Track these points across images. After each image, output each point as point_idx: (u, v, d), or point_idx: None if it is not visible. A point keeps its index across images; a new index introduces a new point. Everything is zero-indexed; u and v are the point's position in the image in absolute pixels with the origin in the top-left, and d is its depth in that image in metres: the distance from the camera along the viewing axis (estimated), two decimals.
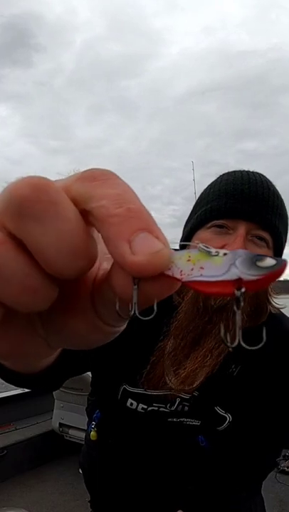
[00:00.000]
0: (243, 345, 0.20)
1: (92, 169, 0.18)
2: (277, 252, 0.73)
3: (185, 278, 0.17)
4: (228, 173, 0.75)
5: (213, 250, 0.18)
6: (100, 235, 0.18)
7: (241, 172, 0.73)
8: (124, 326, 0.21)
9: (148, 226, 0.17)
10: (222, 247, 0.65)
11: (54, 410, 2.72)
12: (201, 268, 0.17)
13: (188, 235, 0.75)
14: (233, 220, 0.68)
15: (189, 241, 0.74)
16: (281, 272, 0.16)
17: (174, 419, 0.76)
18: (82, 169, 0.19)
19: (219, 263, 0.17)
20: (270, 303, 0.75)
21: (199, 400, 0.75)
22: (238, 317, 0.18)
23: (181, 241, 0.79)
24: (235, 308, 0.18)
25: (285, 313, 0.81)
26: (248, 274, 0.16)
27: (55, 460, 2.73)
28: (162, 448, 0.79)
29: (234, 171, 0.74)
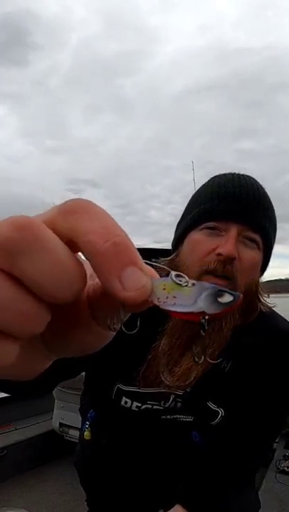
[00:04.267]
0: (209, 360, 0.24)
1: (71, 201, 0.20)
2: (267, 253, 0.75)
3: (162, 305, 0.21)
4: (219, 176, 0.77)
5: (183, 281, 0.21)
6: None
7: (232, 175, 0.75)
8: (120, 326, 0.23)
9: (133, 259, 0.19)
10: (214, 250, 0.68)
11: (54, 410, 2.72)
12: (174, 297, 0.21)
13: (180, 236, 0.76)
14: (224, 221, 0.69)
15: (182, 242, 0.76)
16: (236, 306, 0.21)
17: (168, 417, 0.78)
18: (67, 198, 0.20)
19: (188, 294, 0.21)
20: (261, 301, 0.77)
21: (192, 396, 0.76)
22: (205, 339, 0.21)
23: (173, 241, 0.81)
24: (202, 332, 0.21)
25: (285, 311, 0.83)
26: (210, 309, 0.21)
27: (55, 460, 2.73)
28: (156, 445, 0.80)
29: (225, 174, 0.76)
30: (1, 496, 2.26)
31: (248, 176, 0.75)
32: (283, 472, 1.95)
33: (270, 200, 0.75)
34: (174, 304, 0.21)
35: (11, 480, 2.43)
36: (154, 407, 0.77)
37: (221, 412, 0.77)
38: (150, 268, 0.21)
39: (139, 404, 0.77)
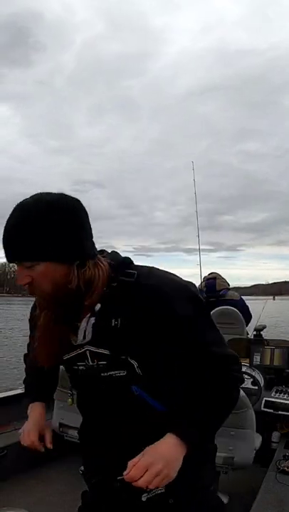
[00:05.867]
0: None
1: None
2: (56, 255, 0.84)
3: None
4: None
5: None
6: None
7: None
8: None
9: None
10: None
11: (54, 410, 2.72)
12: None
13: None
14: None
15: None
16: None
17: (105, 374, 0.93)
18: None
19: None
20: (124, 274, 0.91)
21: (108, 354, 0.91)
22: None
23: None
24: None
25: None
26: None
27: (55, 460, 2.73)
28: (108, 402, 0.96)
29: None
30: (1, 496, 2.26)
31: (13, 210, 0.85)
32: (283, 472, 1.95)
33: (25, 216, 0.83)
34: None
35: (11, 480, 2.43)
36: (80, 367, 0.96)
37: (135, 364, 0.90)
38: None
39: (75, 367, 0.97)
